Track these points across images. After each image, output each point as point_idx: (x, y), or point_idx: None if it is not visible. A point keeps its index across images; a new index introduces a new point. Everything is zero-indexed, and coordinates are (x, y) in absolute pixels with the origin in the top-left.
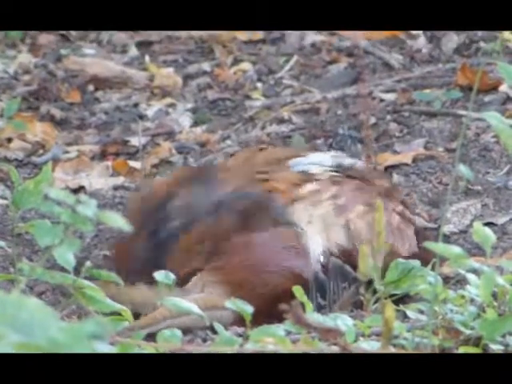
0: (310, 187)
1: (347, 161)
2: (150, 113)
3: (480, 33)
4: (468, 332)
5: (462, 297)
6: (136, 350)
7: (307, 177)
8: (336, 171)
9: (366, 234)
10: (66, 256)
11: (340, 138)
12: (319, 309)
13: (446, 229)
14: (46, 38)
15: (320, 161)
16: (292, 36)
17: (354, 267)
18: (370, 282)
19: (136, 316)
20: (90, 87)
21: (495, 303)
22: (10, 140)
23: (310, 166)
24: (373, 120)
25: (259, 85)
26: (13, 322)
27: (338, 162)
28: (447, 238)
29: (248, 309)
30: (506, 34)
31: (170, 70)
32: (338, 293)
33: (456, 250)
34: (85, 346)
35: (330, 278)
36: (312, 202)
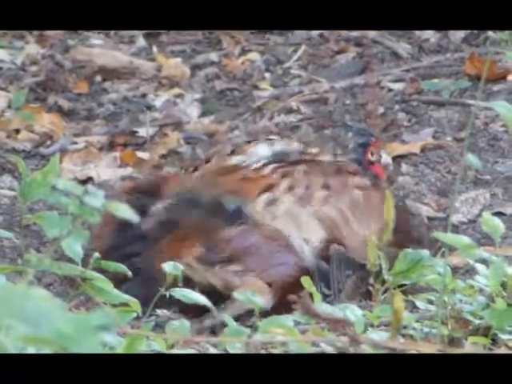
0: (262, 183)
1: (288, 147)
2: (157, 103)
3: None
4: (477, 322)
5: (471, 287)
6: (145, 341)
7: (255, 173)
8: (280, 160)
9: (336, 217)
10: (74, 247)
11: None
12: (324, 298)
13: (455, 218)
14: None
15: (260, 154)
16: None
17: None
18: (379, 272)
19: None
20: (98, 78)
21: (504, 293)
22: (17, 131)
23: (252, 161)
24: (381, 110)
25: (267, 75)
26: (20, 314)
27: (279, 150)
28: (456, 228)
29: (258, 300)
30: None
31: (178, 60)
32: (342, 281)
33: (465, 239)
34: (92, 337)
35: (333, 266)
36: (268, 199)
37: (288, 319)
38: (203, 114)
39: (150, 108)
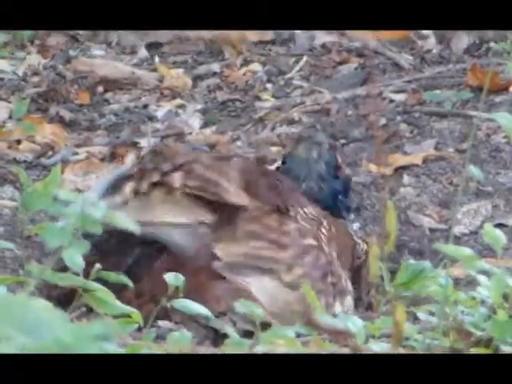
0: None
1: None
2: (159, 114)
3: (490, 33)
4: (479, 333)
5: (473, 298)
6: (146, 351)
7: None
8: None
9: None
10: (75, 258)
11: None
12: None
13: (457, 230)
14: (54, 40)
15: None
16: (302, 37)
17: None
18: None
19: None
20: (100, 88)
21: (506, 304)
22: (19, 142)
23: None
24: (383, 121)
25: (269, 86)
26: (20, 324)
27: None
28: (458, 240)
29: (258, 312)
30: None
31: (180, 70)
32: None
33: (466, 251)
34: (93, 347)
35: None
36: None
37: (289, 331)
38: (205, 124)
39: (151, 119)
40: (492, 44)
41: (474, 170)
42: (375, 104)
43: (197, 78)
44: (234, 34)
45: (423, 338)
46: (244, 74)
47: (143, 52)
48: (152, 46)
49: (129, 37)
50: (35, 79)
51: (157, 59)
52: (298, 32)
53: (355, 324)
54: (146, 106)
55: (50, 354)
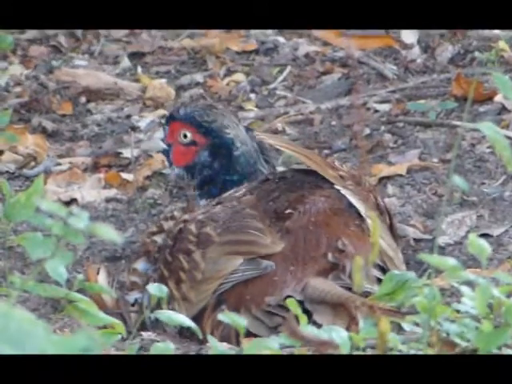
0: None
1: None
2: (142, 124)
3: (475, 43)
4: (464, 344)
5: (458, 309)
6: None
7: None
8: None
9: None
10: (58, 269)
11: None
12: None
13: (441, 240)
14: (37, 50)
15: None
16: (285, 47)
17: None
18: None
19: None
20: (82, 99)
21: (491, 315)
22: (1, 152)
23: None
24: (367, 131)
25: (252, 96)
26: (1, 334)
27: None
28: (442, 250)
29: (241, 322)
30: (501, 44)
31: (163, 81)
32: None
33: (451, 261)
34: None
35: None
36: None
37: (273, 341)
38: None
39: (134, 129)
40: (476, 54)
41: (458, 180)
42: (359, 114)
43: (180, 89)
44: (216, 44)
45: (408, 348)
46: (227, 84)
47: (126, 62)
48: (135, 56)
49: (111, 47)
50: (17, 89)
51: (139, 69)
52: (281, 42)
53: (340, 335)
54: (128, 117)
55: (46, 354)
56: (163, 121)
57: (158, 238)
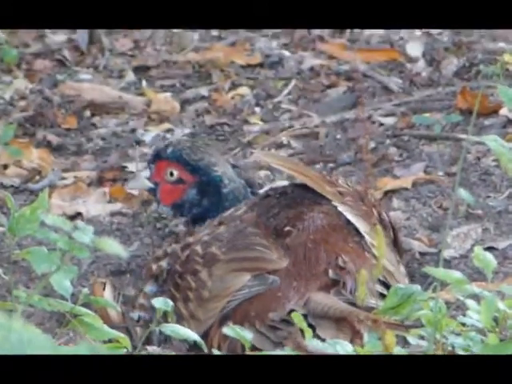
0: None
1: None
2: (147, 138)
3: (480, 56)
4: None
5: (463, 322)
6: None
7: None
8: None
9: None
10: (63, 283)
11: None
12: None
13: (447, 253)
14: (41, 64)
15: None
16: (290, 60)
17: None
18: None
19: None
20: (87, 113)
21: (497, 328)
22: (5, 166)
23: None
24: (372, 144)
25: (257, 109)
26: (2, 345)
27: None
28: (448, 263)
29: (247, 336)
30: (507, 57)
31: (168, 94)
32: None
33: (457, 275)
34: None
35: None
36: None
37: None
38: None
39: (139, 143)
40: (481, 67)
41: (463, 194)
42: (364, 127)
43: (185, 102)
44: (221, 58)
45: None
46: (232, 98)
47: (130, 76)
48: (139, 70)
49: (116, 61)
50: (22, 103)
51: (144, 83)
52: (286, 55)
53: (345, 349)
54: (133, 131)
55: (46, 354)
56: (168, 135)
57: (163, 263)
